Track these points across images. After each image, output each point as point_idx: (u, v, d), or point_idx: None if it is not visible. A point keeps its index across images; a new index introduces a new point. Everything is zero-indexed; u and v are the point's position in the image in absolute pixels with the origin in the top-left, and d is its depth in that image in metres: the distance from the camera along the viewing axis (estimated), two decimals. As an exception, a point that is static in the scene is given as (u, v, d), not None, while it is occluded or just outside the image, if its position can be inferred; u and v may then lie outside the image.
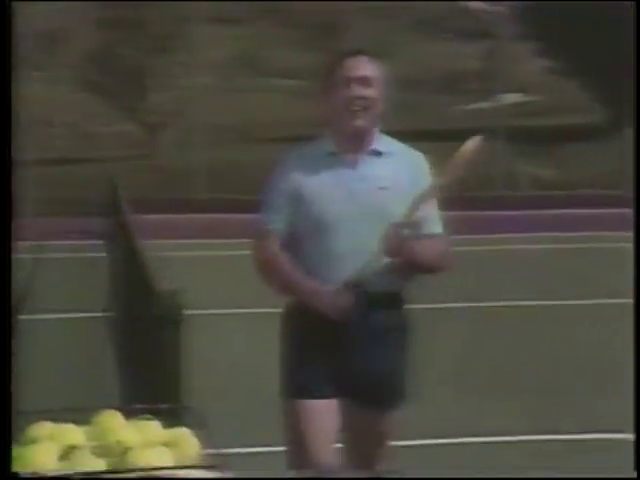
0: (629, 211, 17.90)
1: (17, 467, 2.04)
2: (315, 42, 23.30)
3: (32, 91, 18.45)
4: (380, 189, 4.06)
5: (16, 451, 2.08)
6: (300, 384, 4.11)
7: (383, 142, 4.18)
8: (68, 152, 19.42)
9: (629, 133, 21.32)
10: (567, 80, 24.88)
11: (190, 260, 12.23)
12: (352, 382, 4.11)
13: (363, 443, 4.22)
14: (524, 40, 23.84)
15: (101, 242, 10.43)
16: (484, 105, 20.35)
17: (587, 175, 19.75)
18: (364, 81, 4.05)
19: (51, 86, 19.48)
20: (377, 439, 4.23)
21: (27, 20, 18.93)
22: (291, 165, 4.18)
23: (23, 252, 12.11)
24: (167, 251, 10.24)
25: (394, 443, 4.22)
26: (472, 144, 4.13)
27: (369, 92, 4.05)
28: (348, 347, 4.09)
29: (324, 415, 4.11)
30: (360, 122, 4.05)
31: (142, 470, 2.05)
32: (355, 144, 4.12)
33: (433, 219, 4.22)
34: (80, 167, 18.67)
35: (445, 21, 21.46)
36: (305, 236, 4.08)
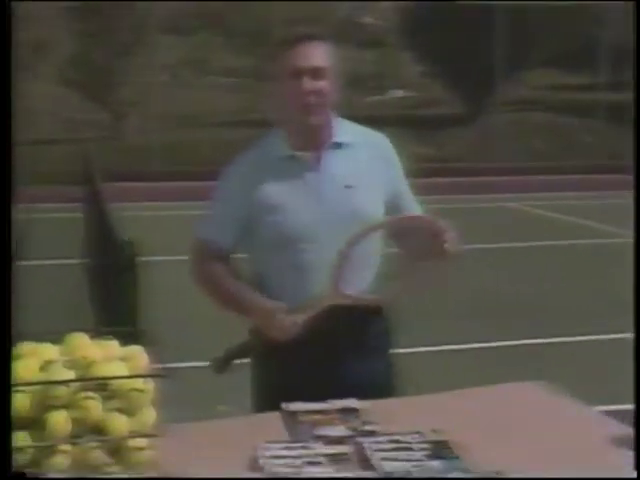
0: (487, 178, 18.14)
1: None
2: (248, 47, 23.17)
3: (24, 87, 18.29)
4: (347, 188, 2.84)
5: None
6: None
7: (343, 131, 2.95)
8: (52, 135, 19.18)
9: (484, 120, 21.61)
10: (436, 79, 25.07)
11: (146, 218, 12.18)
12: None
13: None
14: (405, 49, 23.97)
15: (78, 205, 10.34)
16: (377, 98, 20.39)
17: (453, 152, 19.91)
18: (316, 72, 2.80)
19: (39, 83, 19.22)
20: None
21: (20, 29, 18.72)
22: (241, 172, 2.91)
23: (17, 213, 12.01)
24: (129, 211, 10.20)
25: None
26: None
27: (322, 84, 2.81)
28: (326, 365, 2.87)
29: None
30: (315, 119, 2.84)
31: (103, 379, 2.03)
32: (313, 141, 2.89)
33: (412, 201, 3.07)
34: (62, 147, 18.46)
35: (347, 33, 21.36)
36: (273, 249, 2.87)
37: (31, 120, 18.47)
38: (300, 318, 2.72)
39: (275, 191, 2.85)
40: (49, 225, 11.33)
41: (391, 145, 3.05)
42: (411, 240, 2.87)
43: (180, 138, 19.68)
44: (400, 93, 22.91)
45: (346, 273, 2.70)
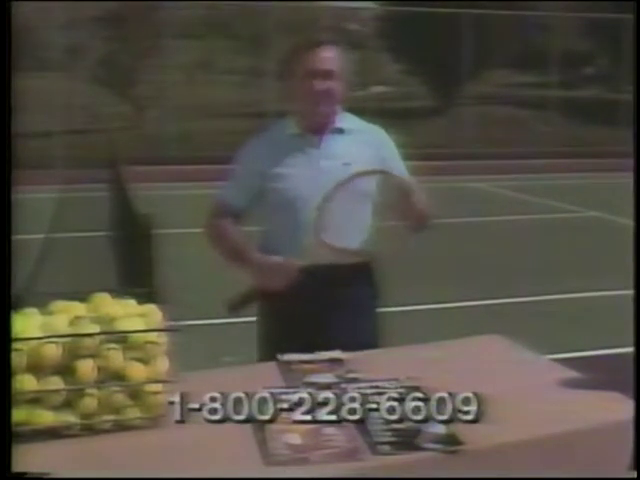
0: (456, 162, 18.10)
1: (43, 330, 2.00)
2: (249, 50, 23.11)
3: (61, 85, 18.29)
4: (344, 165, 2.81)
5: (41, 319, 2.06)
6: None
7: (345, 120, 2.97)
8: (83, 125, 19.13)
9: (453, 112, 21.62)
10: (412, 77, 25.09)
11: (162, 197, 12.12)
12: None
13: None
14: (386, 51, 23.97)
15: (104, 185, 10.31)
16: (360, 93, 20.28)
17: (426, 138, 19.83)
18: (327, 74, 2.82)
19: (73, 81, 19.22)
20: None
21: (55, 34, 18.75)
22: (257, 146, 2.95)
23: (54, 193, 11.98)
24: (146, 191, 10.15)
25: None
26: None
27: (331, 84, 2.83)
28: (321, 322, 2.84)
29: None
30: (323, 110, 2.87)
31: (123, 332, 2.05)
32: (319, 125, 2.91)
33: (401, 169, 3.00)
34: (91, 135, 18.43)
35: (333, 36, 21.19)
36: (277, 210, 2.88)
37: (65, 113, 18.45)
38: (291, 267, 2.69)
39: (282, 163, 2.87)
40: (80, 203, 11.29)
41: (387, 135, 3.04)
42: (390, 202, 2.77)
43: (191, 127, 19.67)
44: (381, 88, 22.86)
45: (330, 228, 2.62)
